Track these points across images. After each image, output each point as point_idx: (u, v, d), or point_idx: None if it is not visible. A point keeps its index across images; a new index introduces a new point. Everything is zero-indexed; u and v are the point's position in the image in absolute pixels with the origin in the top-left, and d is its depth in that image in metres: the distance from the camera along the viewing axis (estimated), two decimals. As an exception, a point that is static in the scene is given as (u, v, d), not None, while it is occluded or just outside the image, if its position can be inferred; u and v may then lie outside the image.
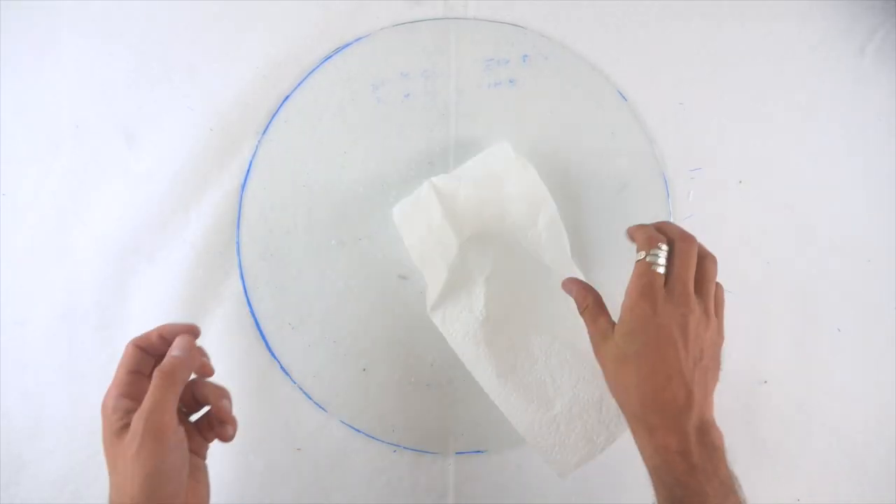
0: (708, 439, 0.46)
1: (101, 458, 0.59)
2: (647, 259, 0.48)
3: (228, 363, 0.61)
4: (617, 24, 0.62)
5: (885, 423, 0.63)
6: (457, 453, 0.62)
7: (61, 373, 0.60)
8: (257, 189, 0.61)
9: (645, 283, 0.47)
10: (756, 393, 0.62)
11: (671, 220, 0.62)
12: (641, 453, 0.48)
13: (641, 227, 0.50)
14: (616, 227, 0.62)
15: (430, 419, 0.62)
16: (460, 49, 0.62)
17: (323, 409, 0.60)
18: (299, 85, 0.61)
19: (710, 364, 0.48)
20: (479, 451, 0.62)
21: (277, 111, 0.61)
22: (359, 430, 0.62)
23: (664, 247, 0.48)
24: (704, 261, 0.49)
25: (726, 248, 0.62)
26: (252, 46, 0.61)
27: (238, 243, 0.61)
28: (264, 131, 0.61)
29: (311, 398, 0.60)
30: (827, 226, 0.63)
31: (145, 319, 0.60)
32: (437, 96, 0.61)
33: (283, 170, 0.61)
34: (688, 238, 0.49)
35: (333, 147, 0.61)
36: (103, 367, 0.60)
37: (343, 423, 0.61)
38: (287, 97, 0.61)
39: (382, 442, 0.62)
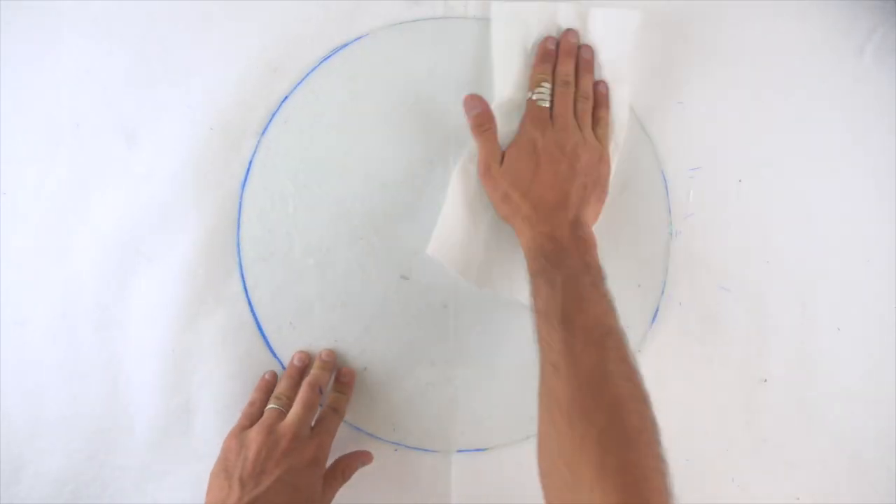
0: (579, 233, 0.54)
1: (101, 458, 0.60)
2: (534, 97, 0.59)
3: (229, 363, 0.61)
4: (617, 24, 0.62)
5: (885, 423, 0.63)
6: (458, 451, 0.62)
7: (61, 372, 0.60)
8: (257, 189, 0.61)
9: (534, 115, 0.58)
10: (756, 392, 0.62)
11: (670, 215, 0.62)
12: (524, 247, 0.55)
13: (536, 64, 0.60)
14: (617, 228, 0.62)
15: (431, 418, 0.62)
16: (460, 49, 0.61)
17: (323, 408, 0.60)
18: (299, 84, 0.61)
19: (589, 181, 0.57)
20: (480, 450, 0.62)
21: (277, 110, 0.61)
22: (360, 429, 0.62)
23: (546, 86, 0.59)
24: (583, 103, 0.59)
25: (726, 247, 0.63)
26: (252, 46, 0.61)
27: (238, 243, 0.61)
28: (264, 131, 0.61)
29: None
30: (827, 225, 0.63)
31: (146, 319, 0.60)
32: (436, 96, 0.61)
33: (283, 169, 0.61)
34: (569, 83, 0.59)
35: (333, 147, 0.61)
36: (103, 367, 0.60)
37: (344, 422, 0.60)
38: (287, 97, 0.61)
39: (383, 440, 0.62)
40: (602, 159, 0.58)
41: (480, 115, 0.58)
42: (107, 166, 0.60)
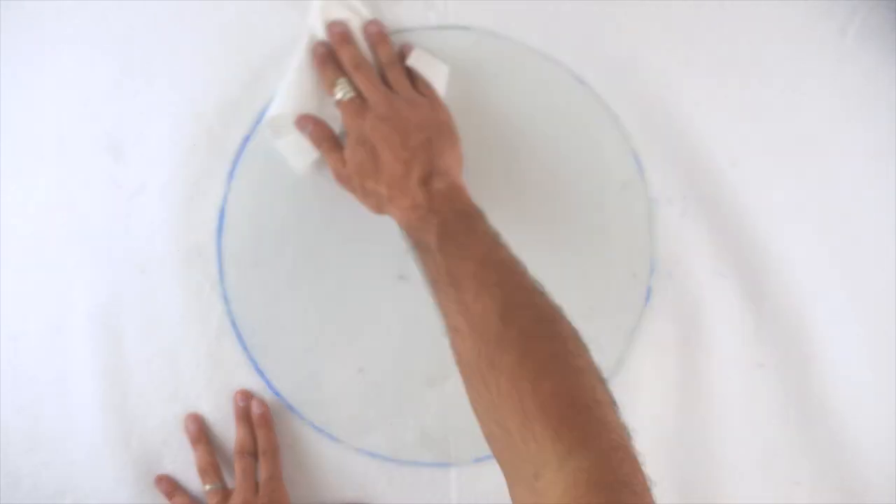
0: (437, 186, 0.53)
1: (99, 470, 0.60)
2: (339, 96, 0.57)
3: (226, 374, 0.61)
4: (593, 17, 0.62)
5: (883, 409, 0.63)
6: (457, 459, 0.62)
7: (56, 386, 0.60)
8: (245, 192, 0.60)
9: (347, 110, 0.57)
10: (752, 377, 0.62)
11: (663, 202, 0.62)
12: (400, 229, 0.54)
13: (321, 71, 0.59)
14: (610, 215, 0.62)
15: (431, 417, 0.61)
16: (446, 56, 0.61)
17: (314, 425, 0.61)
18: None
19: (431, 133, 0.55)
20: (480, 459, 0.61)
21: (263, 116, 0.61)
22: (361, 447, 0.61)
23: (342, 80, 0.57)
24: (390, 70, 0.58)
25: (721, 233, 0.63)
26: (235, 53, 0.60)
27: (219, 250, 0.61)
28: (248, 137, 0.60)
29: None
30: (820, 208, 0.63)
31: (139, 332, 0.60)
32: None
33: (273, 172, 0.60)
34: (359, 64, 0.57)
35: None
36: (97, 380, 0.60)
37: (343, 432, 0.60)
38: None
39: (382, 453, 0.61)
40: (434, 107, 0.57)
41: (312, 133, 0.58)
42: (93, 178, 0.60)
